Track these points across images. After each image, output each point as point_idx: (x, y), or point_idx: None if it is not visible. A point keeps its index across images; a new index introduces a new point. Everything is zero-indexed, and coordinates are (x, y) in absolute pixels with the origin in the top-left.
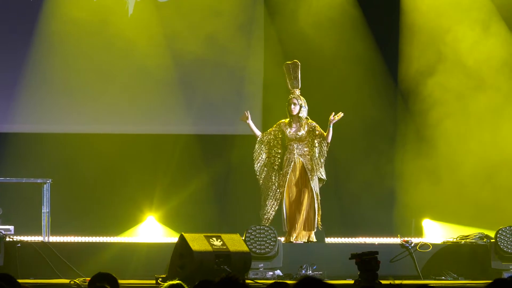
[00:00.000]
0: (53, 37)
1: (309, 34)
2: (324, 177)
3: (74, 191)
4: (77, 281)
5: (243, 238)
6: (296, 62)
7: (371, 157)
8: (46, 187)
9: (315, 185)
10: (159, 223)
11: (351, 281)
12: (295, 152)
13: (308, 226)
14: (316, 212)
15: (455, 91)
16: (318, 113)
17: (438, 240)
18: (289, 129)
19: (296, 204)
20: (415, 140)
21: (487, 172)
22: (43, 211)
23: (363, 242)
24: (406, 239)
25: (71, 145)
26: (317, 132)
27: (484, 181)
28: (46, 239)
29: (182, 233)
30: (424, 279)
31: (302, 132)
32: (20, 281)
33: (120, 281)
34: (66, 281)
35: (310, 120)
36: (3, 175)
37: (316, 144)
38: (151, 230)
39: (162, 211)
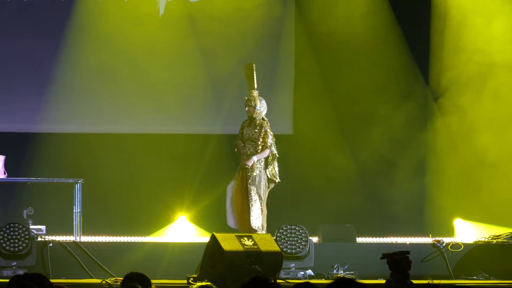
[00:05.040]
0: (84, 38)
1: (339, 31)
2: (277, 179)
3: (106, 191)
4: (109, 281)
5: (274, 238)
6: (251, 64)
7: (402, 157)
8: (77, 187)
9: (259, 187)
10: (190, 223)
11: (383, 281)
12: (246, 151)
13: (247, 228)
14: (256, 214)
15: (487, 87)
16: (347, 108)
17: (470, 240)
18: (246, 128)
19: (236, 204)
20: (446, 139)
21: None
22: (74, 211)
23: (394, 242)
24: (437, 238)
25: (102, 145)
26: (260, 140)
27: None
28: (77, 239)
29: (214, 233)
30: (456, 279)
31: (255, 132)
32: (52, 280)
33: (151, 281)
34: (98, 281)
35: (265, 122)
36: (35, 175)
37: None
38: (183, 230)
39: (194, 211)
